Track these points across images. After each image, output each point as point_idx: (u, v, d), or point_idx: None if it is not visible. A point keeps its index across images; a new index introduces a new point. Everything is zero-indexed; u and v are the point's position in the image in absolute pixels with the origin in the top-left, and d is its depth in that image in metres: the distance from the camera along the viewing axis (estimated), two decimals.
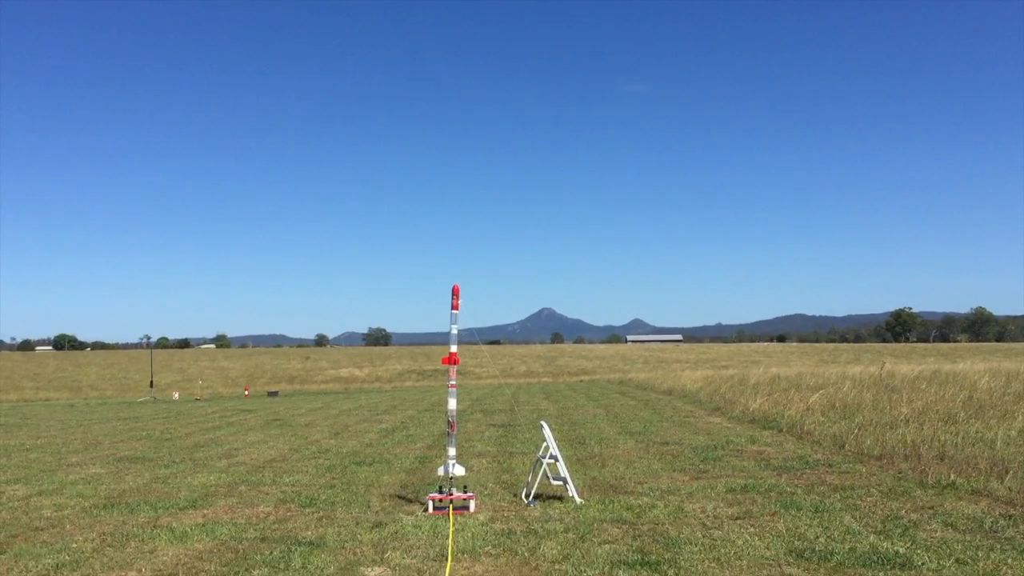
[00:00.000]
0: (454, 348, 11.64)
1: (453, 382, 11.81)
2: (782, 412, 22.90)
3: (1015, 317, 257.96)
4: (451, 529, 10.17)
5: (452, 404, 11.80)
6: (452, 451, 11.72)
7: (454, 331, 11.52)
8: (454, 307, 11.53)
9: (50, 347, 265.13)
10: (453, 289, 11.49)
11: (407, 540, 9.82)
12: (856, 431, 17.73)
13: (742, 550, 8.87)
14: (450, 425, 11.79)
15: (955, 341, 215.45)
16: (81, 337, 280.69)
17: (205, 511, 11.97)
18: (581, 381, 67.59)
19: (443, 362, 11.78)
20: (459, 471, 11.75)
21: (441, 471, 11.89)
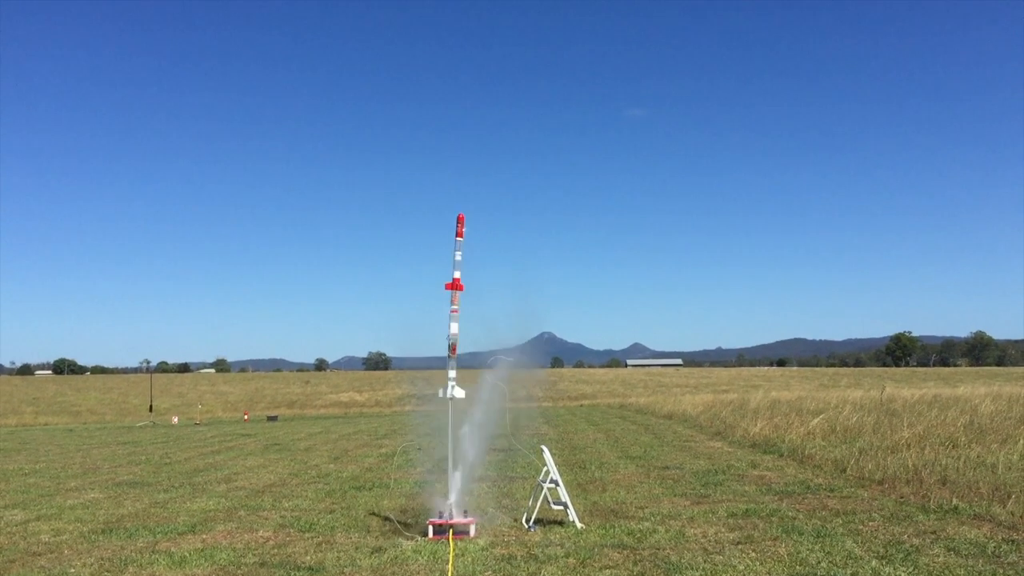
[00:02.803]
0: (457, 274, 11.86)
1: (455, 307, 11.93)
2: (783, 436, 22.84)
3: (1015, 341, 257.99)
4: (451, 554, 10.13)
5: (454, 328, 11.93)
6: (452, 373, 11.85)
7: (458, 256, 11.82)
8: (458, 234, 11.76)
9: (49, 371, 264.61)
10: (459, 217, 11.72)
11: (407, 565, 9.78)
12: (857, 455, 17.68)
13: (743, 575, 8.84)
14: (451, 349, 11.88)
15: (955, 365, 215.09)
16: (81, 361, 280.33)
17: (204, 536, 11.92)
18: (581, 406, 67.44)
19: (446, 287, 11.93)
20: (459, 393, 11.87)
21: (440, 502, 11.83)
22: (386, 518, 13.02)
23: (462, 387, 11.92)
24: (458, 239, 11.76)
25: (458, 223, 11.73)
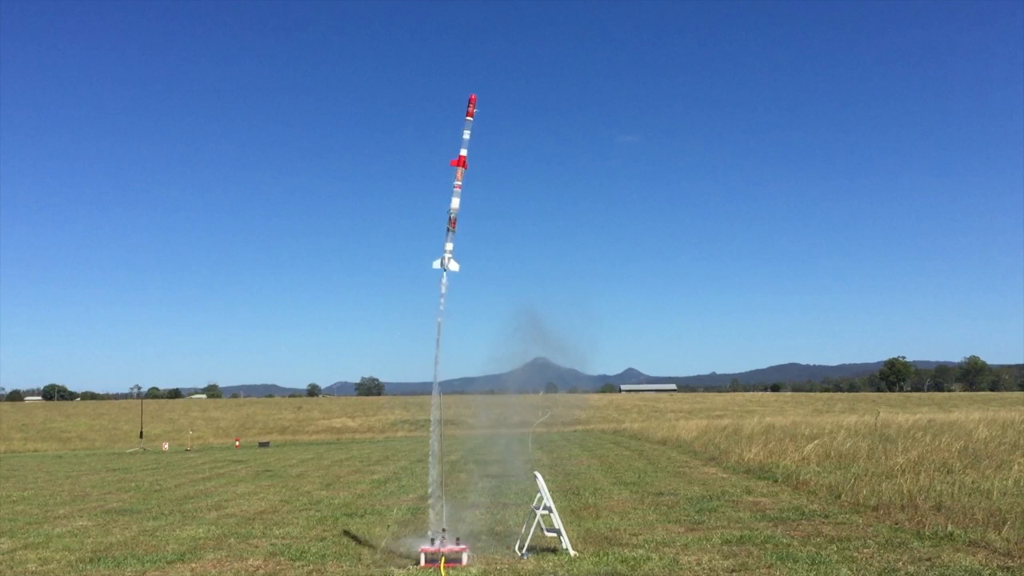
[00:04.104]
0: (464, 152, 12.18)
1: (458, 183, 12.10)
2: (777, 462, 22.76)
3: (1009, 366, 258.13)
4: None
5: (455, 203, 12.07)
6: (449, 245, 12.07)
7: (466, 135, 12.18)
8: (469, 115, 12.16)
9: (39, 397, 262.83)
10: (471, 98, 12.12)
11: None
12: (852, 481, 17.61)
13: None
14: (451, 223, 12.01)
15: (949, 390, 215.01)
16: (71, 387, 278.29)
17: (193, 564, 11.78)
18: (575, 431, 67.18)
19: (452, 164, 12.28)
20: (453, 267, 11.99)
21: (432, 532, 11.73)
22: (378, 546, 12.90)
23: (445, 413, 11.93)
24: (468, 119, 12.17)
25: (469, 103, 12.17)
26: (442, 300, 11.98)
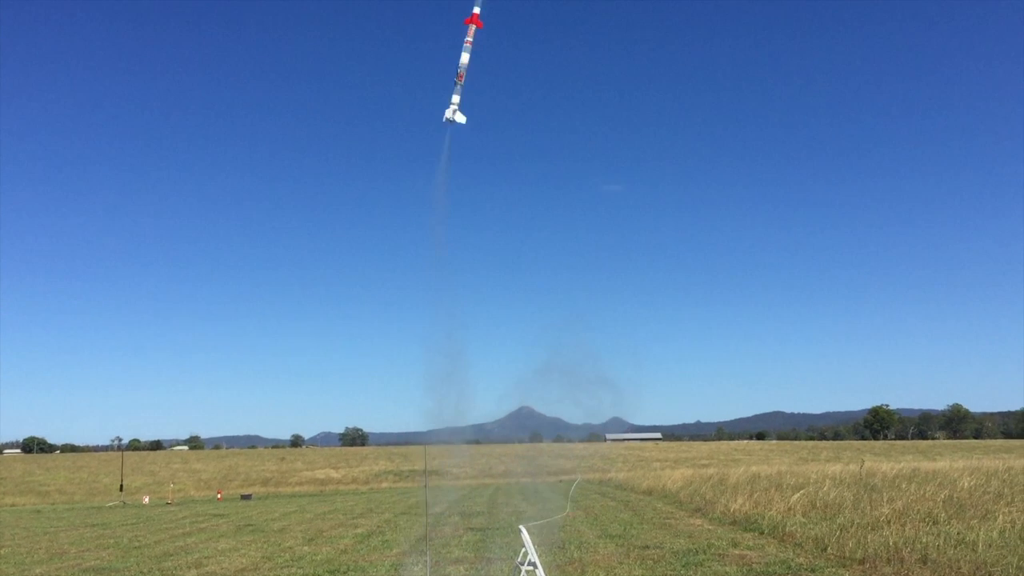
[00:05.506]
0: (477, 10, 12.59)
1: (469, 39, 12.35)
2: (763, 513, 22.68)
3: (992, 414, 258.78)
4: None
5: (464, 59, 12.28)
6: (456, 98, 12.28)
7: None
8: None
9: (18, 450, 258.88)
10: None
11: None
12: (838, 533, 17.57)
13: None
14: (459, 76, 12.22)
15: (933, 438, 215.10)
16: (51, 439, 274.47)
17: None
18: (560, 481, 66.74)
19: (465, 22, 12.59)
20: (460, 118, 12.16)
21: None
22: None
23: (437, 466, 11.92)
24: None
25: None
26: (446, 154, 12.36)
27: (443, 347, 12.87)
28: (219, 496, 66.09)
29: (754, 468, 52.44)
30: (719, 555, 16.59)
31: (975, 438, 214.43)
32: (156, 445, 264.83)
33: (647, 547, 18.28)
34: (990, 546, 15.05)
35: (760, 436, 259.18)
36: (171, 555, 20.54)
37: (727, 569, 14.75)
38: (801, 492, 26.25)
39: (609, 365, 13.17)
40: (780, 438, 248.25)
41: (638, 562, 16.08)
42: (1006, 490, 25.38)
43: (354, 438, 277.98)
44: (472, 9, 12.69)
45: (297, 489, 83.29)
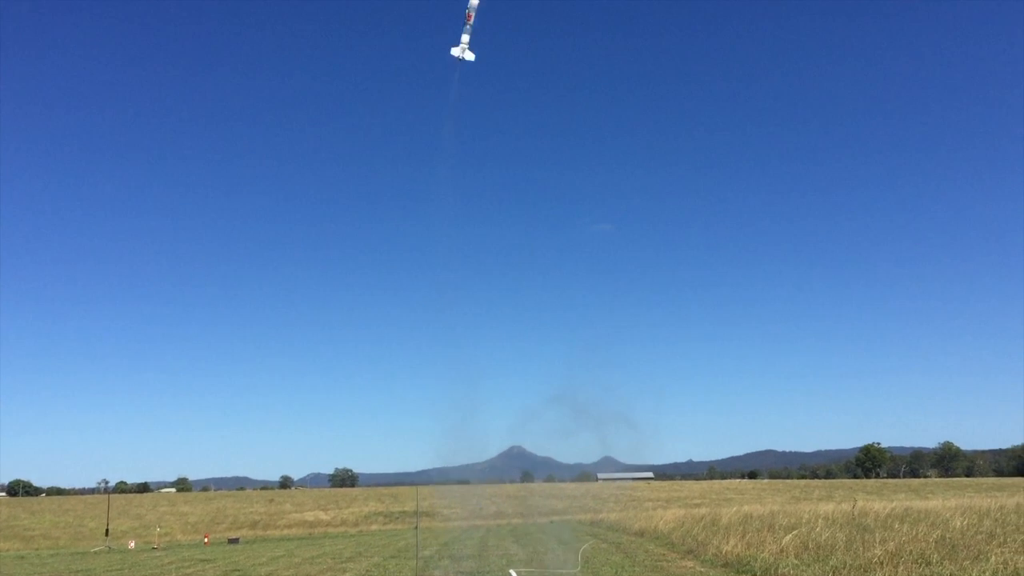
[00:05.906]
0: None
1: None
2: (755, 555, 22.56)
3: (983, 452, 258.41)
4: None
5: (467, 55, 12.78)
6: (465, 37, 13.05)
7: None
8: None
9: (3, 493, 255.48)
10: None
11: None
12: (831, 575, 17.49)
13: None
14: (468, 16, 12.77)
15: (925, 476, 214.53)
16: (36, 483, 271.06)
17: None
18: (552, 522, 66.26)
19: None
20: (469, 56, 12.72)
21: None
22: None
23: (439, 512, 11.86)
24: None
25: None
26: (455, 89, 13.06)
27: (459, 398, 13.21)
28: (206, 540, 65.30)
29: (746, 507, 52.21)
30: None
31: (967, 476, 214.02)
32: (143, 487, 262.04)
33: None
34: None
35: (752, 475, 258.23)
36: None
37: None
38: (793, 533, 26.15)
39: (629, 404, 13.31)
40: (772, 476, 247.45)
41: None
42: (999, 530, 25.32)
43: (344, 479, 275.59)
44: None
45: (286, 532, 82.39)
